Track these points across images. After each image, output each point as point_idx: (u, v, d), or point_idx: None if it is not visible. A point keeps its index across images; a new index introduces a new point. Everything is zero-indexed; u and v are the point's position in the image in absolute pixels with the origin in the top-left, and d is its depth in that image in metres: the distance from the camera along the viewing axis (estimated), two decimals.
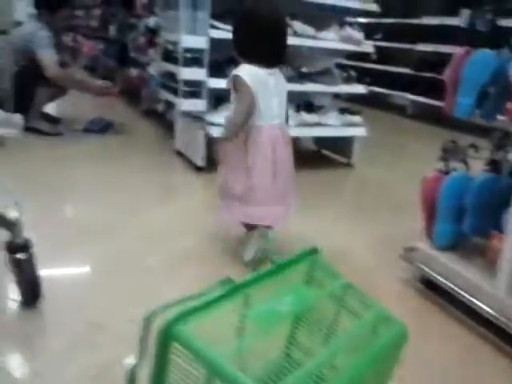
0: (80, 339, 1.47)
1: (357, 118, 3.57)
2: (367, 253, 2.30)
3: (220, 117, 3.07)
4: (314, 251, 1.22)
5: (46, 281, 1.63)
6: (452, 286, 1.77)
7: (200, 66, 3.00)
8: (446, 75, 1.84)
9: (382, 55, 7.10)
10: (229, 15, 3.02)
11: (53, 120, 4.06)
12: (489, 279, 1.68)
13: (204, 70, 3.00)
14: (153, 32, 4.01)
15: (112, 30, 5.75)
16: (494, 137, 1.83)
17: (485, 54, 1.69)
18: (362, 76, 7.09)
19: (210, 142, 3.11)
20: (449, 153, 1.94)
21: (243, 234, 2.10)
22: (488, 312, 1.64)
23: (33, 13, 3.92)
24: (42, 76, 3.65)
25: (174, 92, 3.12)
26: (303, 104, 3.46)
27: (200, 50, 2.99)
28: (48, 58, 3.63)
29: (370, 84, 7.03)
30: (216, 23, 2.97)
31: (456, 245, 1.91)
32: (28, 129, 3.86)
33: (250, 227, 2.03)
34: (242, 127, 1.87)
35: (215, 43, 2.98)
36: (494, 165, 1.84)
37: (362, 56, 6.04)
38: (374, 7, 3.52)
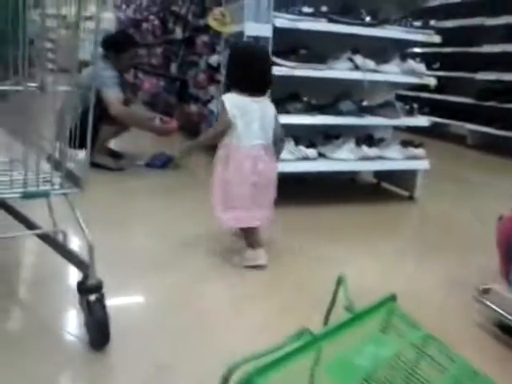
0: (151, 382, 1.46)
1: (419, 151, 3.49)
2: (436, 294, 2.20)
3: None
4: (391, 299, 1.17)
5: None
6: None
7: None
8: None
9: (441, 84, 6.96)
10: (290, 52, 3.06)
11: (116, 155, 4.19)
12: None
13: None
14: (214, 69, 4.10)
15: (173, 68, 5.92)
16: None
17: None
18: (421, 106, 7.01)
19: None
20: None
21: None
22: None
23: (100, 53, 4.09)
24: (106, 113, 3.79)
25: None
26: (364, 137, 3.42)
27: None
28: (112, 96, 3.77)
29: (429, 114, 6.91)
30: (277, 60, 3.00)
31: None
32: (92, 164, 4.01)
33: (253, 236, 2.34)
34: (213, 141, 2.31)
35: (277, 80, 3.00)
36: None
37: (421, 86, 5.95)
38: (437, 39, 3.46)
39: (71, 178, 1.69)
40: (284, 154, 3.10)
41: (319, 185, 3.78)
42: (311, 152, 3.16)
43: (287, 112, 3.11)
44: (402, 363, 1.09)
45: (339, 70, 3.18)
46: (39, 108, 1.65)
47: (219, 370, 0.87)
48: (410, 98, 6.08)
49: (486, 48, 5.97)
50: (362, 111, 3.32)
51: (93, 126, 3.80)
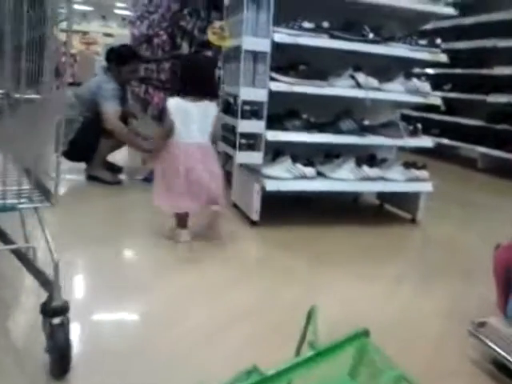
0: None
1: (422, 173, 3.37)
2: (432, 324, 2.07)
3: (276, 170, 3.00)
4: (363, 334, 1.06)
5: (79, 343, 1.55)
6: None
7: (258, 118, 2.94)
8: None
9: (452, 106, 6.86)
10: (290, 68, 2.98)
11: (115, 169, 4.13)
12: None
13: (262, 123, 2.95)
14: None
15: None
16: None
17: None
18: (431, 127, 6.90)
19: (265, 196, 3.02)
20: None
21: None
22: None
23: (103, 66, 4.07)
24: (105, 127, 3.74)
25: (232, 144, 3.07)
26: (365, 157, 3.32)
27: (259, 103, 2.94)
28: (109, 110, 3.72)
29: (438, 136, 6.80)
30: (276, 76, 2.93)
31: None
32: (90, 177, 3.96)
33: (184, 218, 2.74)
34: (164, 139, 2.65)
35: (275, 96, 2.93)
36: None
37: (431, 107, 5.84)
38: (444, 58, 3.36)
39: (43, 192, 1.60)
40: (281, 172, 3.03)
41: (321, 205, 3.68)
42: (309, 171, 3.06)
43: (285, 129, 3.03)
44: None
45: (340, 88, 3.09)
46: (11, 118, 1.57)
47: None
48: (420, 119, 5.99)
49: (498, 70, 5.86)
50: (364, 130, 3.22)
51: (92, 139, 3.81)
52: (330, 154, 3.31)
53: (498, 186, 5.47)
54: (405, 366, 1.67)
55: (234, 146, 3.01)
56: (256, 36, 2.86)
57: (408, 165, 3.38)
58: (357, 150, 3.32)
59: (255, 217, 3.04)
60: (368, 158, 3.35)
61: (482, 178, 5.88)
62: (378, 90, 3.20)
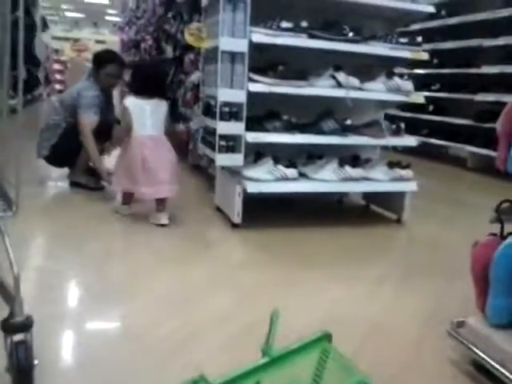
0: None
1: (406, 172, 3.33)
2: (413, 324, 2.03)
3: (257, 172, 2.96)
4: (325, 337, 1.02)
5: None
6: (506, 372, 1.48)
7: (238, 119, 2.90)
8: (499, 127, 1.62)
9: (440, 106, 6.85)
10: (268, 68, 2.94)
11: (97, 175, 4.06)
12: None
13: (242, 124, 2.90)
14: (198, 87, 3.99)
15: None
16: None
17: None
18: (420, 127, 6.88)
19: (247, 198, 2.98)
20: (505, 213, 1.69)
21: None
22: None
23: (88, 70, 3.98)
24: None
25: (213, 147, 3.03)
26: (349, 158, 3.28)
27: (238, 104, 2.90)
28: (82, 120, 3.65)
29: (427, 135, 6.78)
30: (254, 76, 2.89)
31: None
32: (72, 183, 3.90)
33: (129, 198, 3.16)
34: (125, 134, 3.04)
35: (254, 97, 2.89)
36: None
37: (419, 107, 5.82)
38: (425, 56, 3.33)
39: (6, 202, 1.54)
40: (263, 174, 2.99)
41: (305, 206, 3.64)
42: (291, 172, 3.02)
43: (266, 130, 2.99)
44: None
45: (321, 88, 3.05)
46: None
47: None
48: (408, 119, 5.96)
49: (485, 69, 5.85)
50: (346, 130, 3.18)
51: (74, 144, 3.74)
52: (313, 155, 3.28)
53: (487, 184, 5.43)
54: (383, 367, 1.65)
55: (214, 149, 2.96)
56: (233, 36, 2.82)
57: (392, 164, 3.34)
58: (340, 151, 3.28)
59: (237, 219, 3.00)
60: (351, 158, 3.31)
61: (472, 176, 5.86)
62: (360, 89, 3.17)
